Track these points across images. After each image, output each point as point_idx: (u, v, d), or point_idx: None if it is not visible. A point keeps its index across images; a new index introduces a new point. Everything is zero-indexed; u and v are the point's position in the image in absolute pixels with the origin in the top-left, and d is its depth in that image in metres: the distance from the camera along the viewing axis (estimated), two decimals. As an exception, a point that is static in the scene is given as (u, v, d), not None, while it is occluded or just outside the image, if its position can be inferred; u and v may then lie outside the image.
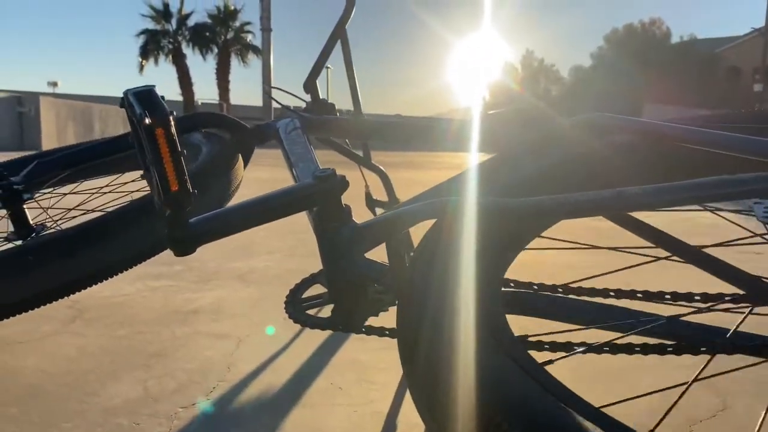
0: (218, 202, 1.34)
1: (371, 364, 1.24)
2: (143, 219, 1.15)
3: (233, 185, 1.38)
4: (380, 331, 0.98)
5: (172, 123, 0.72)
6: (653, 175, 0.97)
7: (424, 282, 0.82)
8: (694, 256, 0.89)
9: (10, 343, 1.32)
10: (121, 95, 0.77)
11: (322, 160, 1.20)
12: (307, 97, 1.60)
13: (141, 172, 1.67)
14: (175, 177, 0.74)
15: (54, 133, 14.42)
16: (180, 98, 27.86)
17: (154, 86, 0.76)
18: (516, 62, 29.78)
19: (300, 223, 3.08)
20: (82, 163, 1.57)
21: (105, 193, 1.57)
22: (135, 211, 1.17)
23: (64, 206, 1.52)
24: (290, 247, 2.46)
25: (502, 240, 0.93)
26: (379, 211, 1.77)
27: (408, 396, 1.10)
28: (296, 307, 1.07)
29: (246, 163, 1.48)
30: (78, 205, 1.54)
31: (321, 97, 1.63)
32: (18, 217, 1.42)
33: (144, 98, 0.73)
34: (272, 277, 1.99)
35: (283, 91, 1.71)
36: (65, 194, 1.56)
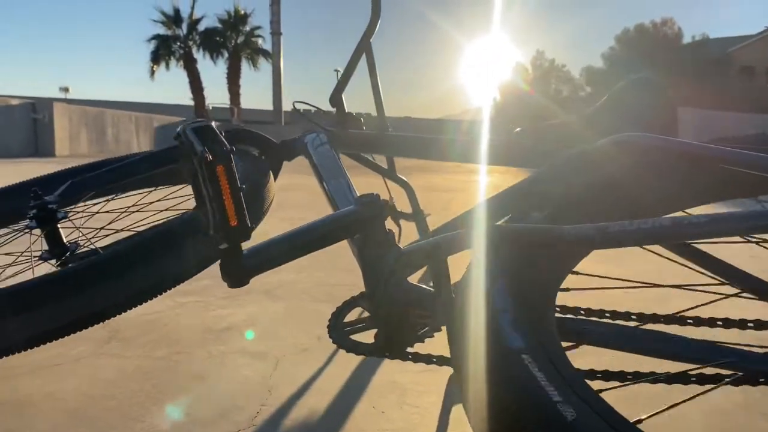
0: (254, 223, 1.34)
1: (410, 386, 1.24)
2: (188, 238, 1.15)
3: (266, 204, 1.38)
4: (427, 359, 0.98)
5: (233, 160, 0.73)
6: (693, 197, 0.97)
7: (472, 310, 0.82)
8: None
9: (47, 366, 1.32)
10: (179, 129, 0.78)
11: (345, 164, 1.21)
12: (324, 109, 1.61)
13: (173, 186, 1.68)
14: (235, 212, 0.74)
15: (67, 139, 14.51)
16: (191, 103, 28.01)
17: (211, 122, 0.76)
18: (526, 63, 29.69)
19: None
20: (114, 182, 1.58)
21: (135, 211, 1.57)
22: (180, 230, 1.17)
23: (97, 221, 1.53)
24: (314, 259, 2.45)
25: (549, 265, 0.92)
26: (403, 222, 1.77)
27: (452, 421, 1.09)
28: (340, 332, 1.06)
29: (275, 179, 1.48)
30: (110, 223, 1.55)
31: (347, 111, 1.63)
32: (52, 236, 1.43)
33: (204, 135, 0.73)
34: (300, 291, 1.99)
35: (308, 104, 1.71)
36: (97, 212, 1.56)
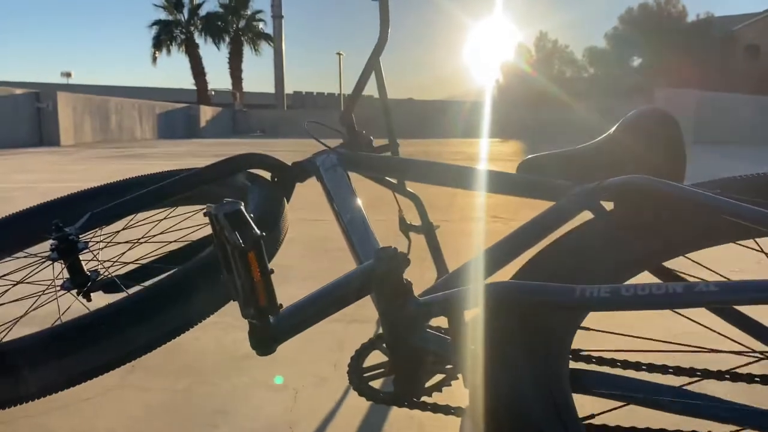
0: (270, 256, 1.37)
1: (427, 420, 1.28)
2: (210, 277, 1.19)
3: (282, 235, 1.41)
4: (446, 409, 1.01)
5: (263, 246, 0.76)
6: (696, 242, 0.99)
7: (489, 360, 0.86)
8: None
9: (76, 401, 1.37)
10: (207, 210, 0.80)
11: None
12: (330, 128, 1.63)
13: (192, 208, 1.70)
14: (265, 293, 0.78)
15: (72, 128, 14.54)
16: (194, 87, 27.96)
17: (241, 204, 0.79)
18: (529, 44, 29.47)
19: (331, 239, 3.08)
20: (133, 211, 1.61)
21: (155, 235, 1.61)
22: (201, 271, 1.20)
23: (116, 244, 1.59)
24: (326, 270, 2.49)
25: (564, 317, 0.95)
26: (412, 234, 1.81)
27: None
28: (361, 378, 1.10)
29: (288, 200, 1.51)
30: (129, 249, 1.59)
31: (357, 129, 1.65)
32: (73, 266, 1.47)
33: (235, 221, 0.76)
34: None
35: (321, 123, 1.73)
36: (116, 243, 1.60)
